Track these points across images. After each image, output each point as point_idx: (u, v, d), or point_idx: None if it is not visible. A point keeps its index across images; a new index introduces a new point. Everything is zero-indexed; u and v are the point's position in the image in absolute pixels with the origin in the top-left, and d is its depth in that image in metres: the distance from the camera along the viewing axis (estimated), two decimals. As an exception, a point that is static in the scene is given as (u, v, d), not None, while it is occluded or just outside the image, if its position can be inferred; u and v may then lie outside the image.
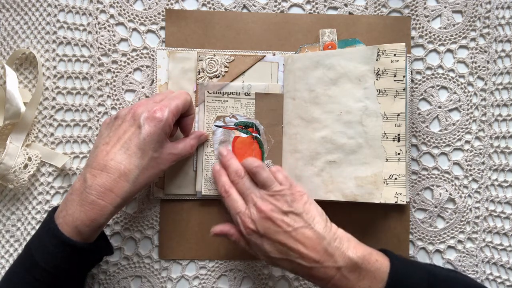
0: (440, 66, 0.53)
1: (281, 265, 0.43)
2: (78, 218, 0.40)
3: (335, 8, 0.54)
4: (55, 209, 0.42)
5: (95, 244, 0.42)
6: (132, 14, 0.53)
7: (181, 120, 0.47)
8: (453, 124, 0.53)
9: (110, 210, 0.41)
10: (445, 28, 0.54)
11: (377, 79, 0.48)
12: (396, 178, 0.47)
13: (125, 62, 0.53)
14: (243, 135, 0.52)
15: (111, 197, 0.40)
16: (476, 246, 0.53)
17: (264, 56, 0.52)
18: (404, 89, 0.47)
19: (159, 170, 0.44)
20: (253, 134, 0.52)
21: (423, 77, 0.53)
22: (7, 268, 0.49)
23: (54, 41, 0.53)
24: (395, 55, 0.47)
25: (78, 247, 0.40)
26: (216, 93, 0.52)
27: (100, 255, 0.45)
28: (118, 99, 0.53)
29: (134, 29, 0.53)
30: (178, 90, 0.50)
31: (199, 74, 0.52)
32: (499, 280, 0.52)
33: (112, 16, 0.53)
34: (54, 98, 0.53)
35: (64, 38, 0.53)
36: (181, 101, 0.45)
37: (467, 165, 0.53)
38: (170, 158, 0.45)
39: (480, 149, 0.53)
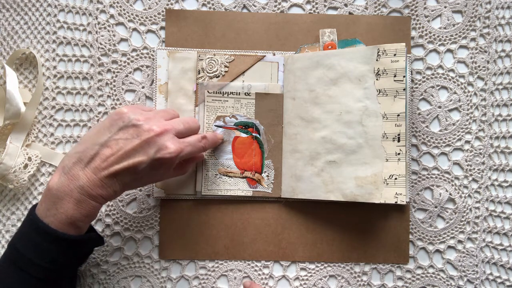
0: (440, 66, 0.53)
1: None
2: (72, 215, 0.40)
3: (335, 8, 0.54)
4: (35, 206, 0.42)
5: (87, 235, 0.43)
6: (132, 14, 0.53)
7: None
8: (453, 124, 0.53)
9: (104, 203, 0.43)
10: (445, 28, 0.54)
11: (377, 79, 0.48)
12: (396, 178, 0.47)
13: (125, 62, 0.53)
14: (243, 135, 0.52)
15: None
16: (476, 246, 0.53)
17: (264, 56, 0.52)
18: (404, 89, 0.47)
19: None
20: (253, 134, 0.52)
21: (423, 77, 0.53)
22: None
23: (54, 41, 0.53)
24: (395, 55, 0.47)
25: (73, 240, 0.40)
26: (216, 93, 0.52)
27: (92, 246, 0.46)
28: (118, 99, 0.53)
29: (134, 29, 0.53)
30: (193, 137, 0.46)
31: (199, 74, 0.52)
32: (499, 280, 0.52)
33: (112, 16, 0.53)
34: (54, 98, 0.53)
35: (64, 38, 0.53)
36: (194, 151, 0.45)
37: (467, 165, 0.53)
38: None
39: (480, 149, 0.53)
